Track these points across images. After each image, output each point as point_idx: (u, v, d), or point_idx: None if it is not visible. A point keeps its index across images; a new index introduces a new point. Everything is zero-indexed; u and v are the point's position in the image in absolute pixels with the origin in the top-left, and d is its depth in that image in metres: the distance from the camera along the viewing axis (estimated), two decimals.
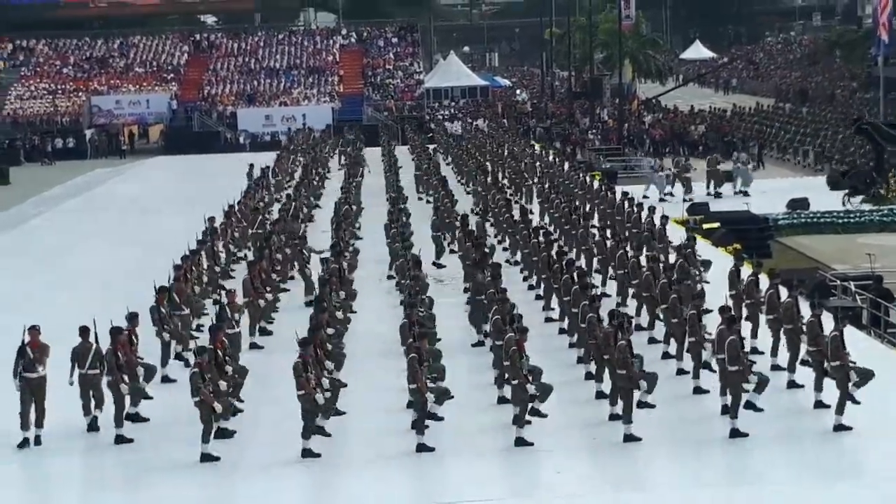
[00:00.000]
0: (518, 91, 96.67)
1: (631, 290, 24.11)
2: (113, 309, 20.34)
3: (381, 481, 16.48)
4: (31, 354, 17.91)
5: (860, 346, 19.86)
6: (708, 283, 23.80)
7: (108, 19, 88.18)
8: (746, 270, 22.95)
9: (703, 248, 28.27)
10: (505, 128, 64.70)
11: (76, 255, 34.59)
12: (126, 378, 18.24)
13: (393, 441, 17.73)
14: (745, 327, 21.23)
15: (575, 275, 22.22)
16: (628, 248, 25.04)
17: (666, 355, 21.07)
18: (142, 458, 17.53)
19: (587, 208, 33.49)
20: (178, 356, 21.50)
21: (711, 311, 20.39)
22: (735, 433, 17.32)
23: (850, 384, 17.45)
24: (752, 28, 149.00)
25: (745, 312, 21.64)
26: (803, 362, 19.26)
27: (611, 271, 25.94)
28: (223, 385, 17.75)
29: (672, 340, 21.01)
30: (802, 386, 19.18)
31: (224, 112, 73.19)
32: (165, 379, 20.79)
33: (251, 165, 44.07)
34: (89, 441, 18.00)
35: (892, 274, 30.09)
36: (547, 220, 33.57)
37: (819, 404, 18.37)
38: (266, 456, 17.50)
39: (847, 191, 23.37)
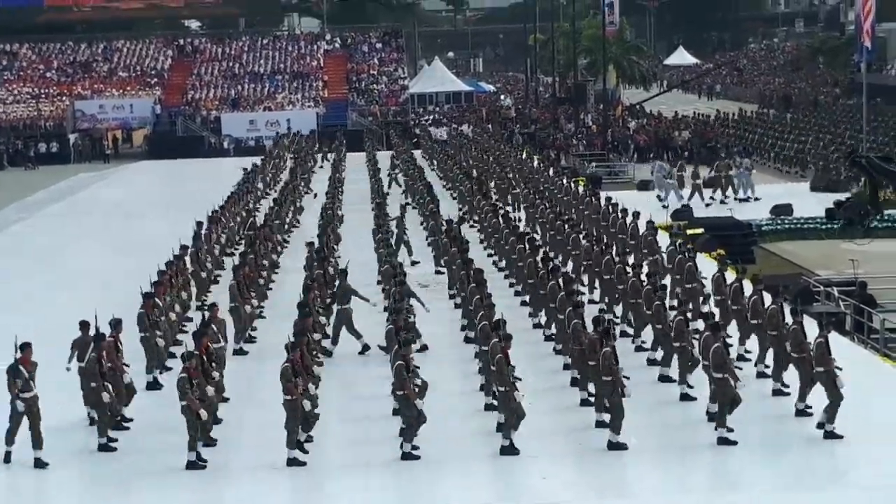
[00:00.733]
0: (502, 97, 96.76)
1: (617, 297, 24.11)
2: (97, 315, 20.27)
3: (367, 488, 16.47)
4: (25, 373, 17.33)
5: (844, 352, 19.90)
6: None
7: (92, 23, 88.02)
8: (730, 276, 23.01)
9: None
10: (489, 133, 64.76)
11: (60, 259, 34.47)
12: (110, 386, 18.09)
13: (379, 448, 17.70)
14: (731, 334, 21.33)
15: (561, 281, 22.25)
16: (614, 254, 25.05)
17: (651, 362, 21.10)
18: (126, 465, 17.46)
19: (572, 214, 33.53)
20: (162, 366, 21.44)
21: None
22: (722, 441, 17.34)
23: (836, 389, 17.47)
24: (735, 34, 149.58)
25: (730, 319, 21.71)
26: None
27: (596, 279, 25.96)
28: (210, 391, 17.72)
29: (658, 347, 21.03)
30: (788, 393, 19.22)
31: (208, 117, 73.09)
32: (151, 385, 20.72)
33: (245, 170, 44.04)
34: (73, 447, 17.90)
35: (875, 280, 30.17)
36: (533, 225, 33.58)
37: (801, 412, 18.40)
38: (252, 461, 17.46)
39: (842, 222, 23.59)
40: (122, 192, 50.58)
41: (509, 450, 17.25)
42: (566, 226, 29.29)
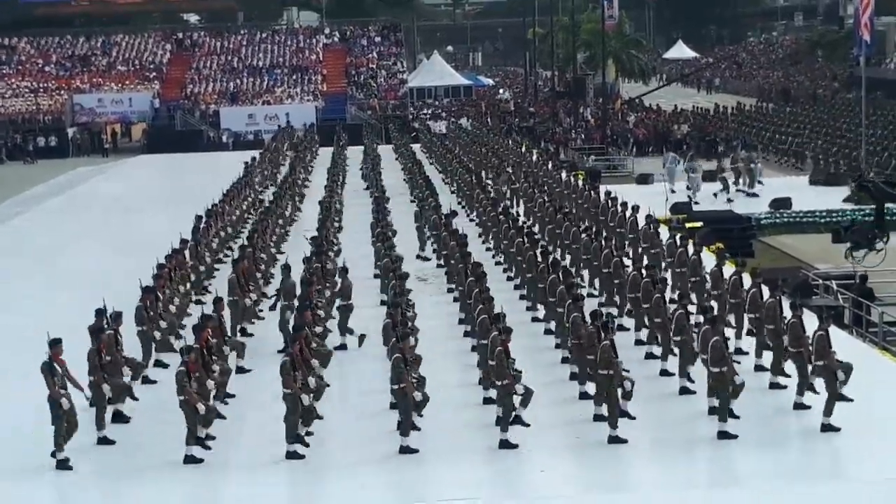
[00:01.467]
0: (501, 90, 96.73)
1: (615, 290, 24.11)
2: (105, 304, 20.28)
3: (366, 482, 16.45)
4: (59, 370, 17.11)
5: (843, 345, 19.90)
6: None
7: (91, 17, 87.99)
8: (729, 270, 23.01)
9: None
10: (488, 127, 64.75)
11: (58, 254, 34.45)
12: (107, 377, 18.06)
13: (377, 442, 17.69)
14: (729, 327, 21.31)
15: (560, 274, 22.24)
16: (613, 248, 25.04)
17: (650, 356, 21.10)
18: (124, 459, 17.44)
19: (571, 208, 33.52)
20: (159, 363, 21.42)
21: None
22: (723, 435, 17.34)
23: (838, 383, 17.48)
24: (734, 28, 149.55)
25: (728, 312, 21.72)
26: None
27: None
28: (210, 384, 17.72)
29: (656, 341, 21.04)
30: (785, 387, 19.22)
31: (207, 111, 73.06)
32: (146, 380, 20.71)
33: (246, 164, 44.04)
34: (71, 441, 17.87)
35: (875, 273, 30.19)
36: (532, 219, 33.57)
37: (799, 406, 18.40)
38: (250, 457, 17.45)
39: (850, 245, 23.66)
40: (121, 187, 50.58)
41: (507, 444, 17.25)
42: (565, 219, 29.28)
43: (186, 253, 26.59)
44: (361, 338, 22.47)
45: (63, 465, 17.05)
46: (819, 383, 18.07)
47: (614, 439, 17.29)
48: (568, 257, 27.73)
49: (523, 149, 49.71)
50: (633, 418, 17.62)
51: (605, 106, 68.82)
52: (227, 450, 17.63)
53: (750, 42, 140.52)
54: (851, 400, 17.56)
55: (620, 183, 46.47)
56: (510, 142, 53.24)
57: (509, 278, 27.59)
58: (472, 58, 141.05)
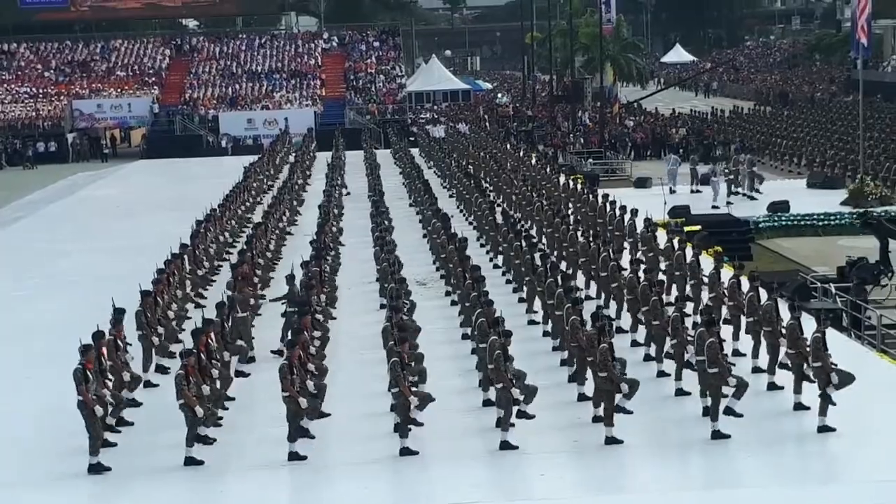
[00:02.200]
0: (499, 94, 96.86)
1: (613, 293, 24.19)
2: (97, 313, 20.36)
3: (366, 485, 16.52)
4: (91, 377, 17.13)
5: (841, 347, 19.98)
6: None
7: (90, 23, 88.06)
8: (726, 273, 23.10)
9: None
10: (487, 131, 64.85)
11: (58, 258, 34.53)
12: (109, 385, 18.05)
13: (376, 445, 17.77)
14: (727, 330, 21.38)
15: (559, 278, 22.32)
16: (611, 251, 25.11)
17: (648, 357, 21.18)
18: (125, 461, 17.48)
19: (569, 211, 33.62)
20: (159, 367, 21.47)
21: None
22: (716, 435, 17.43)
23: (829, 385, 17.56)
24: (732, 32, 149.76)
25: (726, 315, 21.80)
26: (782, 365, 19.36)
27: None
28: (206, 389, 17.78)
29: (653, 343, 21.12)
30: (782, 388, 19.28)
31: (206, 116, 73.16)
32: (147, 383, 20.78)
33: (245, 168, 44.16)
34: (70, 444, 17.95)
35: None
36: (530, 223, 33.64)
37: (799, 406, 18.48)
38: (250, 459, 17.53)
39: (856, 281, 23.86)
40: (121, 192, 50.64)
41: (507, 445, 17.32)
42: (563, 223, 29.37)
43: (185, 257, 26.65)
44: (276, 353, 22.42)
45: (97, 469, 17.03)
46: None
47: (611, 440, 17.36)
48: (566, 260, 27.78)
49: (521, 152, 49.78)
50: (630, 412, 17.69)
51: (603, 110, 68.94)
52: (228, 451, 17.71)
53: (747, 45, 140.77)
54: (835, 404, 17.58)
55: (618, 186, 46.56)
56: (508, 146, 53.33)
57: (508, 282, 27.67)
58: (470, 62, 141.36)
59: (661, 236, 27.76)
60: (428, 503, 16.02)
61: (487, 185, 40.25)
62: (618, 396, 17.55)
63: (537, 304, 24.04)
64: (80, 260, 34.07)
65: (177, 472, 17.06)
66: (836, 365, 17.69)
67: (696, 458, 17.19)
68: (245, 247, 27.87)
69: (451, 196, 40.90)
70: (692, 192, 45.64)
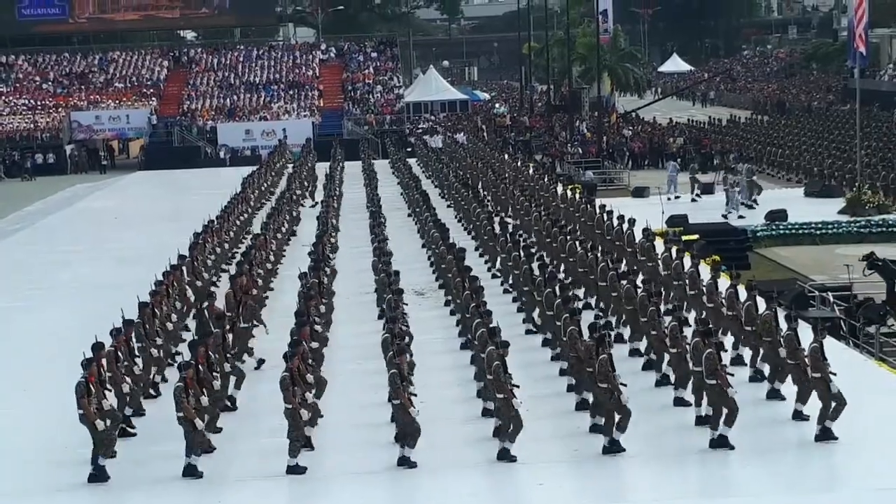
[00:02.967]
0: (497, 105, 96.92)
1: (611, 303, 24.21)
2: (95, 324, 20.37)
3: (364, 495, 16.54)
4: (94, 391, 17.17)
5: (839, 356, 19.99)
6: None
7: (88, 35, 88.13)
8: (724, 282, 23.12)
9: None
10: (485, 141, 64.89)
11: (57, 270, 34.54)
12: (111, 395, 18.02)
13: (376, 455, 17.78)
14: (726, 339, 21.42)
15: (557, 288, 22.35)
16: (609, 261, 25.14)
17: (647, 366, 21.20)
18: (125, 472, 17.50)
19: (568, 221, 33.63)
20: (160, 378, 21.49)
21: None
22: (716, 443, 17.42)
23: (828, 413, 17.53)
24: (729, 41, 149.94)
25: (724, 324, 21.84)
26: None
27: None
28: (205, 401, 17.79)
29: (652, 352, 21.15)
30: (784, 398, 19.30)
31: (204, 127, 73.21)
32: (148, 394, 20.78)
33: (244, 179, 44.20)
34: (69, 455, 17.95)
35: (869, 285, 30.32)
36: (528, 233, 33.67)
37: (798, 416, 18.49)
38: (249, 469, 17.54)
39: (862, 321, 24.05)
40: (119, 203, 50.63)
41: (506, 455, 17.32)
42: (561, 233, 29.39)
43: (184, 269, 26.66)
44: (260, 362, 22.41)
45: (97, 478, 17.08)
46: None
47: (610, 450, 17.36)
48: (564, 271, 27.80)
49: (519, 163, 49.82)
50: (623, 450, 17.65)
51: (601, 119, 69.01)
52: (227, 463, 17.72)
53: (744, 55, 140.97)
54: (836, 438, 17.53)
55: (616, 196, 46.63)
56: (506, 156, 53.38)
57: (506, 291, 27.70)
58: (467, 72, 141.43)
59: (660, 246, 27.78)
60: None
61: (485, 195, 40.28)
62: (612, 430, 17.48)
63: (535, 313, 24.04)
64: (78, 271, 34.08)
65: (176, 483, 17.06)
66: (835, 374, 17.70)
67: (694, 467, 17.20)
68: (243, 258, 27.89)
69: (449, 206, 40.95)
70: (692, 200, 45.75)
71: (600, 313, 24.37)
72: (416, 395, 17.58)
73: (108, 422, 17.26)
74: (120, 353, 19.35)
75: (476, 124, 77.83)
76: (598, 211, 32.55)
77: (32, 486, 17.36)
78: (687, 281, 24.15)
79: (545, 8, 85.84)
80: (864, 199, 42.90)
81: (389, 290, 23.37)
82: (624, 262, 27.35)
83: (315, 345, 20.81)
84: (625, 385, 17.77)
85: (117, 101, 76.60)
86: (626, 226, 29.55)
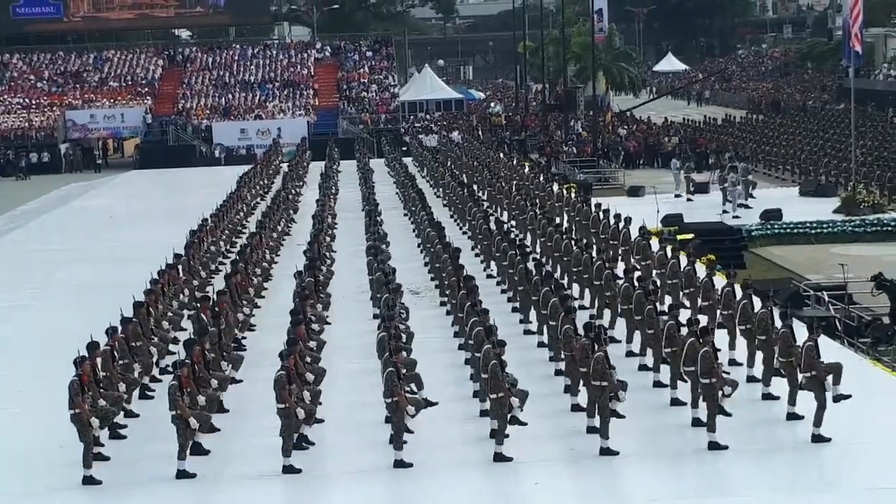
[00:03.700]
0: (492, 104, 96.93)
1: (607, 302, 24.21)
2: (90, 323, 20.35)
3: (360, 496, 16.53)
4: (88, 390, 17.15)
5: (834, 355, 20.00)
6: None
7: (83, 34, 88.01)
8: (719, 281, 23.13)
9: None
10: (480, 140, 64.88)
11: (52, 269, 34.51)
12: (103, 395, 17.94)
13: (371, 455, 17.77)
14: (722, 339, 21.44)
15: (553, 287, 22.35)
16: (604, 260, 25.16)
17: (643, 367, 21.21)
18: (119, 474, 17.47)
19: (563, 220, 33.65)
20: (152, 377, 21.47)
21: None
22: (714, 446, 17.44)
23: (824, 392, 17.58)
24: (724, 40, 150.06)
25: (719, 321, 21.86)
26: (776, 371, 19.39)
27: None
28: (201, 400, 17.77)
29: (648, 352, 21.16)
30: (778, 398, 19.31)
31: (199, 126, 73.14)
32: (143, 395, 20.77)
33: (239, 178, 44.21)
34: (64, 456, 17.93)
35: (858, 284, 30.39)
36: (524, 232, 33.67)
37: (792, 416, 18.51)
38: (244, 469, 17.52)
39: (870, 341, 24.22)
40: (114, 202, 50.57)
41: (501, 458, 17.32)
42: (556, 232, 29.40)
43: (180, 268, 26.66)
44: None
45: (90, 481, 17.07)
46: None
47: (606, 451, 17.38)
48: (559, 269, 27.82)
49: (514, 162, 49.85)
50: (623, 417, 17.70)
51: (596, 118, 69.01)
52: (221, 463, 17.70)
53: (739, 54, 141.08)
54: (802, 418, 17.59)
55: (611, 195, 46.66)
56: (501, 155, 53.38)
57: (502, 291, 27.70)
58: (462, 71, 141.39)
59: (655, 245, 27.79)
60: None
61: (481, 195, 40.29)
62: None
63: (532, 313, 24.05)
64: (73, 270, 34.05)
65: (170, 483, 17.04)
66: (829, 374, 17.70)
67: (690, 468, 17.19)
68: (238, 257, 27.89)
69: (444, 205, 40.94)
70: (687, 199, 45.78)
71: (594, 312, 24.37)
72: (411, 393, 17.56)
73: (96, 421, 17.21)
74: (116, 352, 19.32)
75: (471, 123, 77.83)
76: (594, 210, 32.57)
77: (28, 487, 17.33)
78: (683, 280, 24.19)
79: (540, 7, 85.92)
80: (858, 199, 42.98)
81: (386, 289, 23.37)
82: (620, 260, 27.40)
83: (312, 344, 20.83)
84: (623, 382, 17.79)
85: (112, 100, 76.47)
86: (622, 224, 29.58)
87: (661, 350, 20.14)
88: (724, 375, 17.87)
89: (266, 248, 31.07)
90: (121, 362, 19.48)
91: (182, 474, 17.12)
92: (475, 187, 41.79)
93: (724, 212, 42.15)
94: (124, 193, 54.57)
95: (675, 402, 19.36)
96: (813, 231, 40.49)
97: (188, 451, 17.21)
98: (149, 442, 18.54)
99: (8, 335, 26.61)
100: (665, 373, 20.04)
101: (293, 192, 44.20)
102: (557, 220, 32.69)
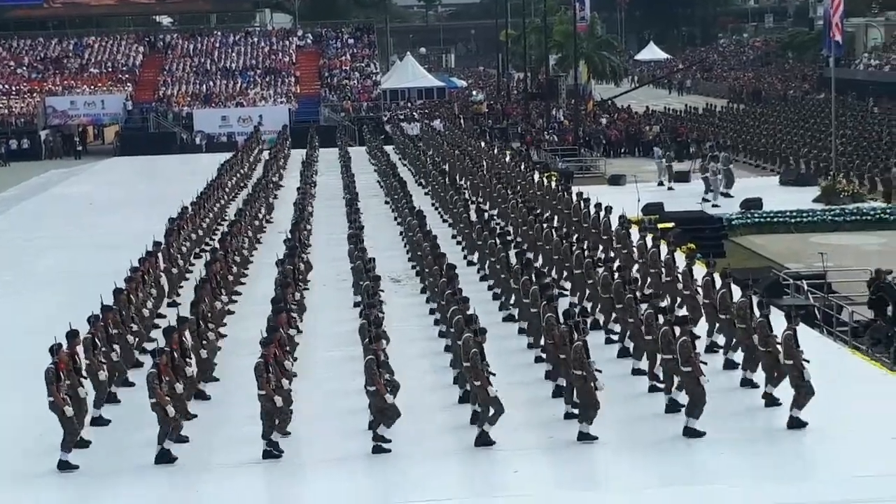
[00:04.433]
0: (474, 92, 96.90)
1: (587, 290, 24.26)
2: (71, 311, 20.30)
3: (340, 482, 16.54)
4: (63, 375, 17.10)
5: (813, 344, 20.09)
6: None
7: (63, 20, 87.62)
8: (699, 270, 23.19)
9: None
10: (461, 128, 64.85)
11: (30, 257, 34.39)
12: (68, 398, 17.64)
13: (351, 442, 17.79)
14: (701, 327, 21.53)
15: (533, 275, 22.38)
16: (585, 248, 25.20)
17: (623, 354, 21.26)
18: (99, 460, 17.45)
19: (544, 209, 33.68)
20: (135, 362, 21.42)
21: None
22: (690, 432, 17.52)
23: (802, 381, 17.66)
24: (705, 30, 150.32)
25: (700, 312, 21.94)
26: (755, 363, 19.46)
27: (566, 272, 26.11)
28: (179, 388, 17.75)
29: (628, 340, 21.21)
30: (757, 386, 19.39)
31: (180, 113, 72.93)
32: (124, 381, 20.72)
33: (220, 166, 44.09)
34: (42, 444, 17.88)
35: (839, 273, 30.53)
36: (505, 220, 33.69)
37: (771, 402, 18.57)
38: (225, 457, 17.51)
39: (870, 342, 24.40)
40: (94, 189, 50.41)
41: (485, 440, 17.36)
42: (537, 220, 29.43)
43: (159, 255, 26.60)
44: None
45: (66, 465, 17.09)
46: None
47: (584, 436, 17.43)
48: (541, 258, 27.85)
49: (496, 150, 49.85)
50: (595, 438, 17.65)
51: (578, 107, 69.08)
52: (201, 450, 17.69)
53: (721, 43, 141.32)
54: (780, 404, 17.69)
55: (593, 184, 46.72)
56: (483, 143, 53.38)
57: (482, 279, 27.72)
58: (444, 59, 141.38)
59: (635, 233, 27.85)
60: (402, 500, 16.04)
61: (462, 183, 40.29)
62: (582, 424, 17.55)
63: (512, 301, 24.08)
64: (53, 257, 33.93)
65: (152, 471, 17.03)
66: (808, 362, 17.79)
67: (669, 455, 17.21)
68: (218, 245, 27.83)
69: (426, 193, 40.93)
70: (668, 189, 45.90)
71: (575, 301, 24.42)
72: (390, 384, 17.60)
73: (76, 410, 17.18)
74: (97, 340, 19.28)
75: (453, 111, 77.80)
76: (575, 198, 32.60)
77: (4, 475, 17.27)
78: (663, 269, 24.24)
79: None
80: (838, 188, 43.15)
81: (366, 277, 23.36)
82: (600, 249, 27.45)
83: (292, 332, 20.81)
84: (600, 371, 17.81)
85: (92, 87, 76.17)
86: (602, 213, 29.62)
87: (641, 339, 20.18)
88: (702, 365, 17.93)
89: (246, 235, 31.01)
90: (102, 350, 19.45)
91: (162, 458, 17.10)
92: (456, 175, 41.77)
93: (705, 200, 42.28)
94: (104, 180, 54.39)
95: (653, 389, 19.39)
96: (793, 220, 40.66)
97: (169, 436, 17.19)
98: (130, 429, 18.49)
99: None
100: (645, 362, 20.10)
101: (274, 179, 44.10)
102: (538, 208, 32.71)
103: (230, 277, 26.14)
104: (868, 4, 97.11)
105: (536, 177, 40.30)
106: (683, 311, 21.73)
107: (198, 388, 19.70)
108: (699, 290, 22.05)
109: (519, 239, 30.22)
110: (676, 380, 18.19)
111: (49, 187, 51.98)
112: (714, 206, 41.58)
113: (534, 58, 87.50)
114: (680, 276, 23.23)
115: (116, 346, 20.21)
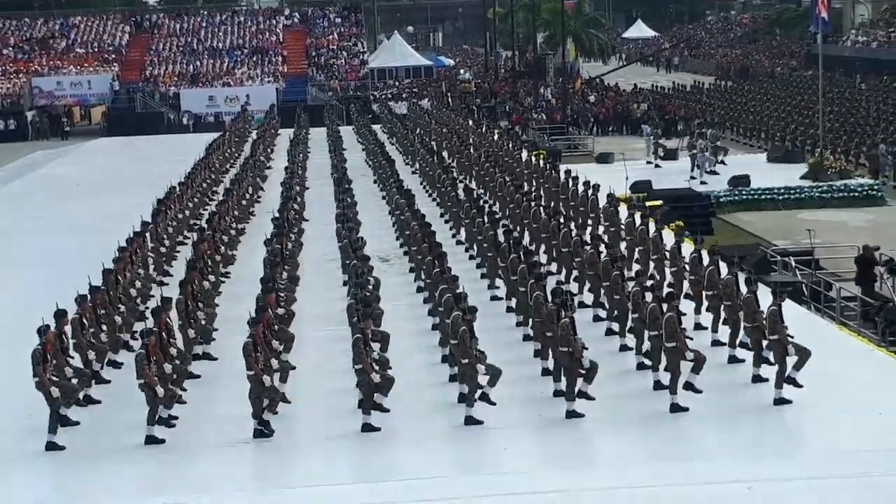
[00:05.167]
0: (462, 71, 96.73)
1: (574, 268, 24.30)
2: (58, 292, 20.26)
3: (331, 460, 16.59)
4: (49, 357, 17.14)
5: (800, 320, 20.17)
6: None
7: (49, 0, 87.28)
8: (687, 247, 23.24)
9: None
10: (449, 107, 64.77)
11: (20, 237, 34.31)
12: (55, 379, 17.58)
13: (341, 421, 17.83)
14: (688, 304, 21.57)
15: (521, 254, 22.40)
16: (573, 227, 25.22)
17: (610, 332, 21.31)
18: (88, 440, 17.47)
19: (532, 187, 33.68)
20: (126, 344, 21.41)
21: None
22: (675, 408, 17.59)
23: (790, 365, 17.70)
24: (692, 6, 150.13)
25: (687, 290, 21.97)
26: (742, 344, 19.53)
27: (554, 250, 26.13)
28: (168, 368, 17.76)
29: (615, 317, 21.25)
30: (742, 361, 19.46)
31: (167, 93, 72.73)
32: (112, 363, 20.72)
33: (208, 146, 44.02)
34: (29, 424, 17.88)
35: (827, 249, 30.61)
36: (492, 199, 33.69)
37: (757, 378, 18.66)
38: (214, 437, 17.54)
39: (883, 324, 24.43)
40: (81, 170, 50.25)
41: (472, 420, 17.40)
42: (525, 199, 29.42)
43: (147, 236, 26.57)
44: None
45: (53, 446, 17.10)
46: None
47: (572, 413, 17.49)
48: (528, 236, 27.87)
49: (483, 129, 49.80)
50: (593, 399, 17.76)
51: (566, 85, 69.02)
52: (190, 430, 17.71)
53: (708, 20, 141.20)
54: (801, 386, 17.74)
55: (580, 162, 46.72)
56: (471, 122, 53.30)
57: (471, 258, 27.73)
58: (432, 38, 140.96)
59: (623, 211, 27.87)
60: (391, 478, 16.07)
61: (450, 162, 40.24)
62: (580, 381, 17.62)
63: (499, 279, 24.10)
64: (40, 238, 33.84)
65: (141, 451, 17.05)
66: (792, 338, 17.86)
67: (656, 432, 17.30)
68: (206, 224, 27.79)
69: (413, 172, 40.89)
70: (655, 166, 45.93)
71: (562, 279, 24.46)
72: (377, 362, 17.61)
73: (57, 390, 17.18)
74: (85, 321, 19.27)
75: (441, 90, 77.67)
76: (563, 177, 32.60)
77: None
78: (650, 246, 24.28)
79: None
80: (826, 165, 43.23)
81: (354, 256, 23.36)
82: (588, 227, 27.48)
83: (280, 311, 20.81)
84: (586, 349, 17.86)
85: (79, 67, 75.93)
86: (590, 191, 29.62)
87: (627, 316, 20.23)
88: (688, 341, 18.00)
89: (234, 215, 30.97)
90: (90, 330, 19.45)
91: (151, 440, 17.13)
92: (444, 154, 41.72)
93: (693, 178, 42.33)
94: (91, 161, 54.19)
95: (641, 366, 19.45)
96: (780, 197, 40.76)
97: (157, 418, 17.22)
98: (119, 409, 18.49)
99: None
100: (632, 339, 20.15)
101: (262, 159, 44.02)
102: (526, 186, 32.70)
103: (218, 257, 26.11)
104: None
105: (524, 155, 40.26)
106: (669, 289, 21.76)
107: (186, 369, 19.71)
108: (686, 266, 22.10)
109: (507, 218, 30.24)
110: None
111: (35, 168, 51.79)
112: (702, 183, 41.63)
113: (521, 36, 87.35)
114: (667, 254, 23.27)
115: (104, 326, 20.21)
